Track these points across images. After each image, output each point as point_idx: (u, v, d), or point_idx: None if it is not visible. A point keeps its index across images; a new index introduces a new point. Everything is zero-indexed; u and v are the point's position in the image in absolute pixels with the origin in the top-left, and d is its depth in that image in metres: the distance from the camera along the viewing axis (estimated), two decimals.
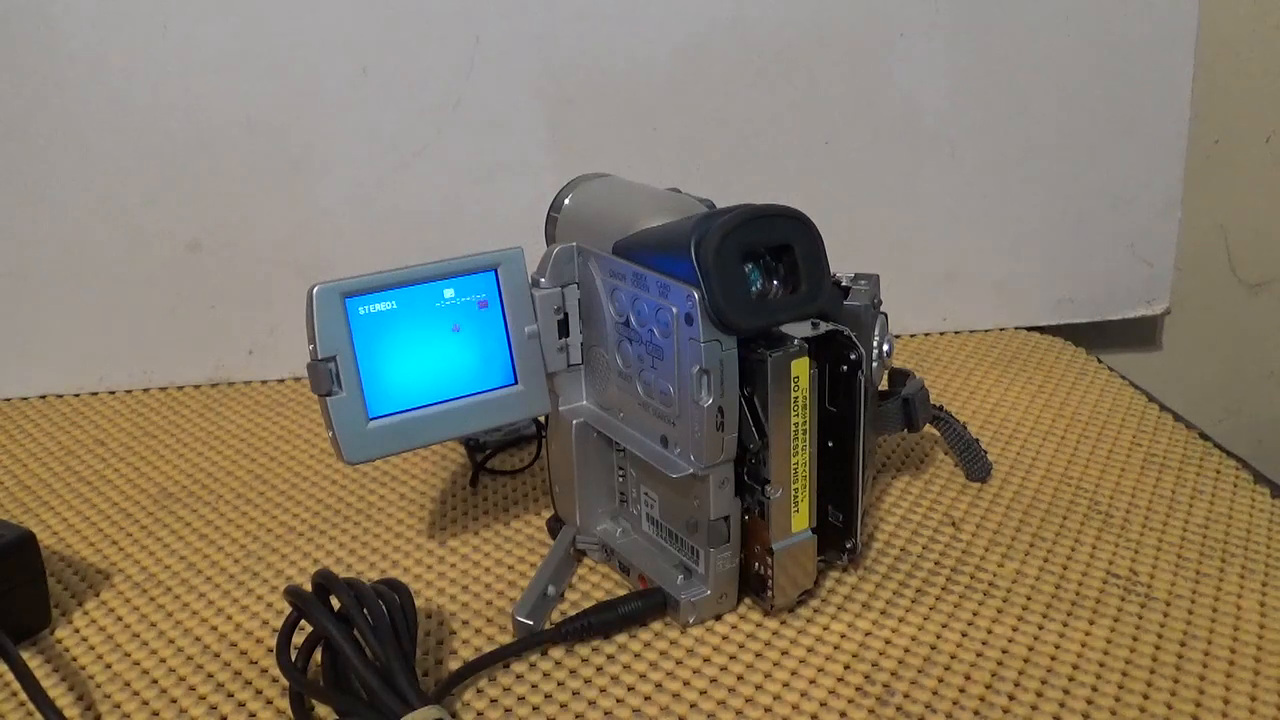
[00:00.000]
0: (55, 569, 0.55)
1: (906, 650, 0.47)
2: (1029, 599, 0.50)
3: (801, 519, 0.47)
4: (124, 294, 0.77)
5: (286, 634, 0.43)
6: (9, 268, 0.75)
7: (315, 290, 0.45)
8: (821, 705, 0.44)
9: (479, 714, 0.44)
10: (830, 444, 0.48)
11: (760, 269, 0.45)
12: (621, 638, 0.48)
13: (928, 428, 0.60)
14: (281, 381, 0.80)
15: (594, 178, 0.55)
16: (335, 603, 0.43)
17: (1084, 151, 0.84)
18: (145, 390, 0.79)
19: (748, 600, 0.50)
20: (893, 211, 0.84)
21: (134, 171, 0.75)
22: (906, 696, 0.44)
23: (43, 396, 0.78)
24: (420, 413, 0.48)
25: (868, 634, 0.48)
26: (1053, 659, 0.46)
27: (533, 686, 0.45)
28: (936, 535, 0.56)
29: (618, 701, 0.44)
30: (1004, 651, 0.47)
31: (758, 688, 0.45)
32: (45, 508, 0.62)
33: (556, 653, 0.47)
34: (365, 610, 0.42)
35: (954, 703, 0.44)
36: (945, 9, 0.79)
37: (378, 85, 0.75)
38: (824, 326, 0.46)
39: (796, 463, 0.46)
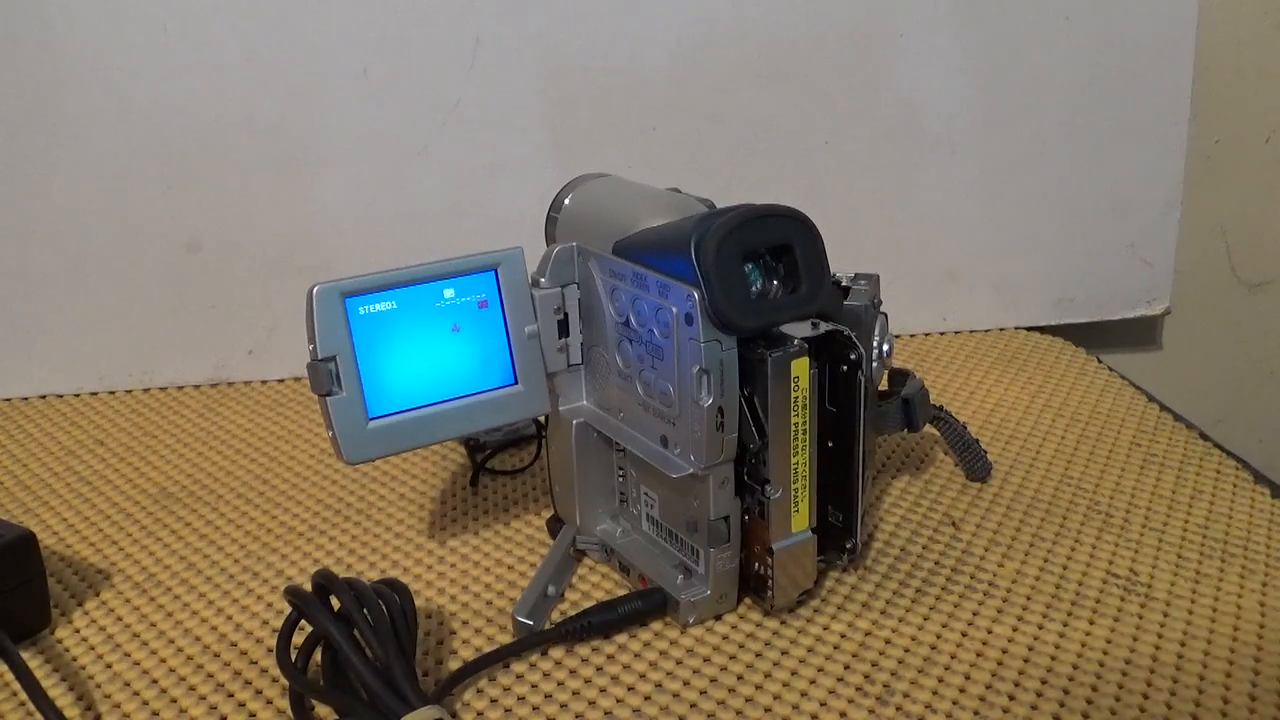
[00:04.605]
0: (55, 569, 0.55)
1: (906, 650, 0.47)
2: (1029, 599, 0.50)
3: (801, 519, 0.47)
4: (124, 294, 0.77)
5: (286, 634, 0.43)
6: (9, 267, 0.75)
7: (315, 290, 0.45)
8: (821, 705, 0.44)
9: (479, 714, 0.44)
10: (830, 444, 0.48)
11: (760, 269, 0.45)
12: (621, 638, 0.48)
13: (928, 428, 0.60)
14: (281, 381, 0.80)
15: (594, 178, 0.55)
16: (335, 603, 0.43)
17: (1084, 151, 0.84)
18: (145, 390, 0.79)
19: (748, 600, 0.50)
20: (893, 211, 0.84)
21: (134, 171, 0.75)
22: (906, 696, 0.44)
23: (43, 396, 0.78)
24: (420, 413, 0.48)
25: (868, 634, 0.48)
26: (1053, 659, 0.46)
27: (533, 686, 0.45)
28: (936, 535, 0.56)
29: (618, 701, 0.44)
30: (1004, 651, 0.47)
31: (758, 688, 0.45)
32: (45, 508, 0.62)
33: (556, 653, 0.47)
34: (365, 610, 0.42)
35: (954, 703, 0.44)
36: (945, 9, 0.79)
37: (378, 85, 0.75)
38: (824, 326, 0.46)
39: (796, 463, 0.46)
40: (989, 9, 0.80)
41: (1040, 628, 0.48)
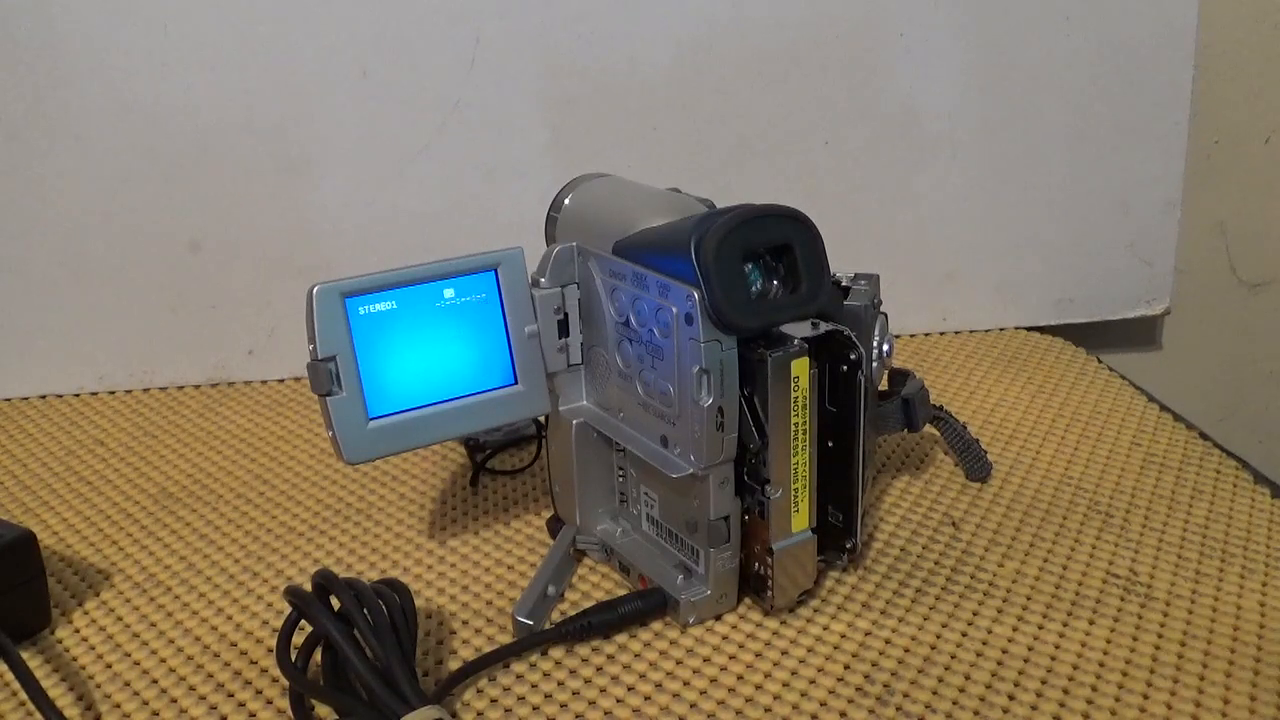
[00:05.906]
0: (55, 569, 0.55)
1: (906, 650, 0.47)
2: (1029, 599, 0.50)
3: (801, 519, 0.47)
4: (124, 294, 0.77)
5: (286, 634, 0.43)
6: (9, 266, 0.75)
7: (315, 290, 0.45)
8: (821, 705, 0.44)
9: (479, 714, 0.44)
10: (830, 444, 0.48)
11: (760, 269, 0.45)
12: (621, 638, 0.48)
13: (928, 428, 0.60)
14: (281, 381, 0.80)
15: (594, 178, 0.55)
16: (335, 603, 0.43)
17: (1084, 151, 0.84)
18: (145, 390, 0.79)
19: (748, 600, 0.50)
20: (893, 211, 0.84)
21: (134, 171, 0.75)
22: (906, 696, 0.44)
23: (43, 396, 0.78)
24: (420, 413, 0.48)
25: (868, 634, 0.48)
26: (1053, 659, 0.46)
27: (533, 686, 0.45)
28: (936, 535, 0.56)
29: (618, 701, 0.44)
30: (1004, 651, 0.47)
31: (758, 688, 0.45)
32: (45, 508, 0.62)
33: (556, 653, 0.47)
34: (365, 610, 0.42)
35: (954, 703, 0.44)
36: (945, 9, 0.79)
37: (378, 86, 0.75)
38: (824, 326, 0.46)
39: (796, 463, 0.46)
40: (989, 9, 0.80)
41: (1040, 628, 0.48)
